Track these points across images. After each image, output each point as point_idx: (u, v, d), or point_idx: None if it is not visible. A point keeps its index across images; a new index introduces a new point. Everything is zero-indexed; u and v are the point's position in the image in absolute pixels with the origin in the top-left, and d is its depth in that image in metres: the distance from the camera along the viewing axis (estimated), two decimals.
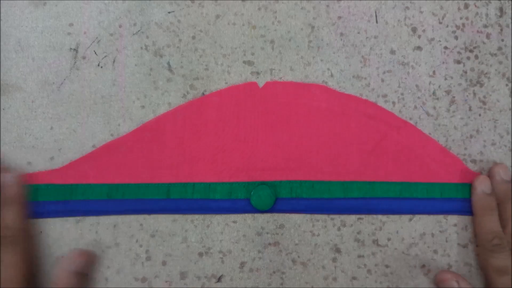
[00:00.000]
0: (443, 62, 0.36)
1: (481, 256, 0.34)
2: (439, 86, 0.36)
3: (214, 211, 0.34)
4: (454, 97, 0.36)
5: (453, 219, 0.35)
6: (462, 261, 0.35)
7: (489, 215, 0.34)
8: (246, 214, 0.35)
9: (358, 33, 0.36)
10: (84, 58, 0.35)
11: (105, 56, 0.35)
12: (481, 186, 0.34)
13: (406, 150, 0.35)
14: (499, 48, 0.36)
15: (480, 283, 0.35)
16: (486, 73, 0.36)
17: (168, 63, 0.35)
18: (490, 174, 0.35)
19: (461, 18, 0.36)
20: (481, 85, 0.36)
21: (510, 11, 0.36)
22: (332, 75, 0.36)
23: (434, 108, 0.36)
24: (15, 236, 0.32)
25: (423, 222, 0.35)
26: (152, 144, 0.35)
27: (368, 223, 0.35)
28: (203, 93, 0.35)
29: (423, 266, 0.35)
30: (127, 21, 0.35)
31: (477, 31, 0.36)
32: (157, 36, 0.35)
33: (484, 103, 0.36)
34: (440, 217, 0.35)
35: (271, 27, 0.36)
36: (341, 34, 0.36)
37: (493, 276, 0.33)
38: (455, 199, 0.35)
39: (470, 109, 0.36)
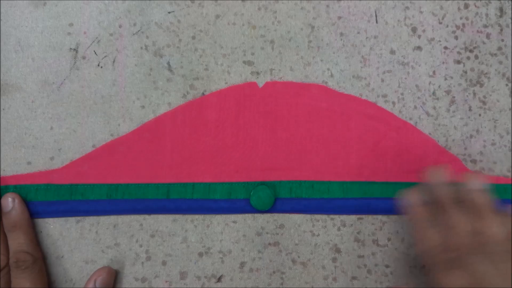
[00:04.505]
0: (443, 62, 0.36)
1: (432, 279, 0.29)
2: (439, 86, 0.36)
3: (214, 211, 0.34)
4: (454, 97, 0.36)
5: None
6: None
7: (429, 227, 0.30)
8: (246, 214, 0.35)
9: (358, 33, 0.36)
10: (84, 58, 0.35)
11: (105, 56, 0.35)
12: (412, 198, 0.31)
13: (406, 150, 0.35)
14: (499, 48, 0.36)
15: None
16: (486, 73, 0.36)
17: (168, 63, 0.35)
18: (426, 179, 0.31)
19: (461, 18, 0.36)
20: (481, 85, 0.36)
21: (510, 11, 0.36)
22: (332, 75, 0.36)
23: (434, 108, 0.36)
24: (30, 261, 0.31)
25: None
26: (152, 144, 0.35)
27: (368, 223, 0.35)
28: (203, 93, 0.35)
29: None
30: (127, 21, 0.35)
31: (477, 31, 0.36)
32: (157, 36, 0.35)
33: (484, 103, 0.36)
34: None
35: (271, 27, 0.36)
36: (341, 34, 0.36)
37: None
38: None
39: (470, 109, 0.36)
